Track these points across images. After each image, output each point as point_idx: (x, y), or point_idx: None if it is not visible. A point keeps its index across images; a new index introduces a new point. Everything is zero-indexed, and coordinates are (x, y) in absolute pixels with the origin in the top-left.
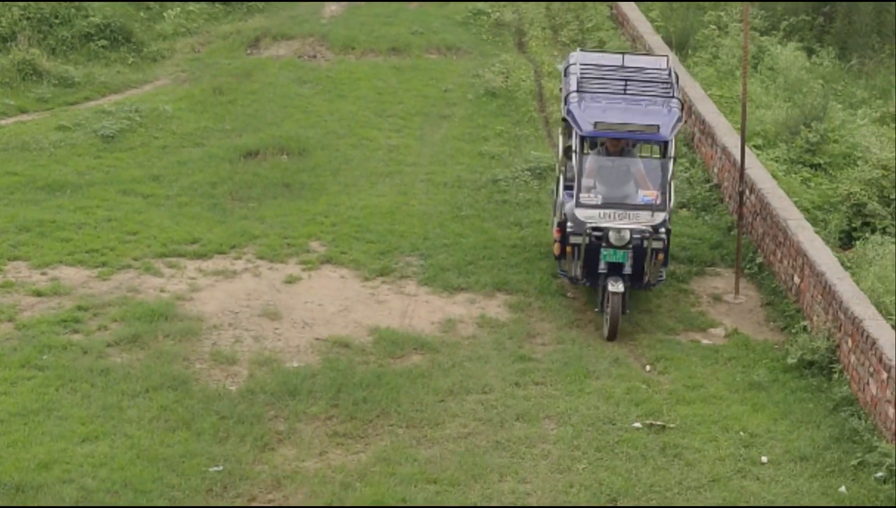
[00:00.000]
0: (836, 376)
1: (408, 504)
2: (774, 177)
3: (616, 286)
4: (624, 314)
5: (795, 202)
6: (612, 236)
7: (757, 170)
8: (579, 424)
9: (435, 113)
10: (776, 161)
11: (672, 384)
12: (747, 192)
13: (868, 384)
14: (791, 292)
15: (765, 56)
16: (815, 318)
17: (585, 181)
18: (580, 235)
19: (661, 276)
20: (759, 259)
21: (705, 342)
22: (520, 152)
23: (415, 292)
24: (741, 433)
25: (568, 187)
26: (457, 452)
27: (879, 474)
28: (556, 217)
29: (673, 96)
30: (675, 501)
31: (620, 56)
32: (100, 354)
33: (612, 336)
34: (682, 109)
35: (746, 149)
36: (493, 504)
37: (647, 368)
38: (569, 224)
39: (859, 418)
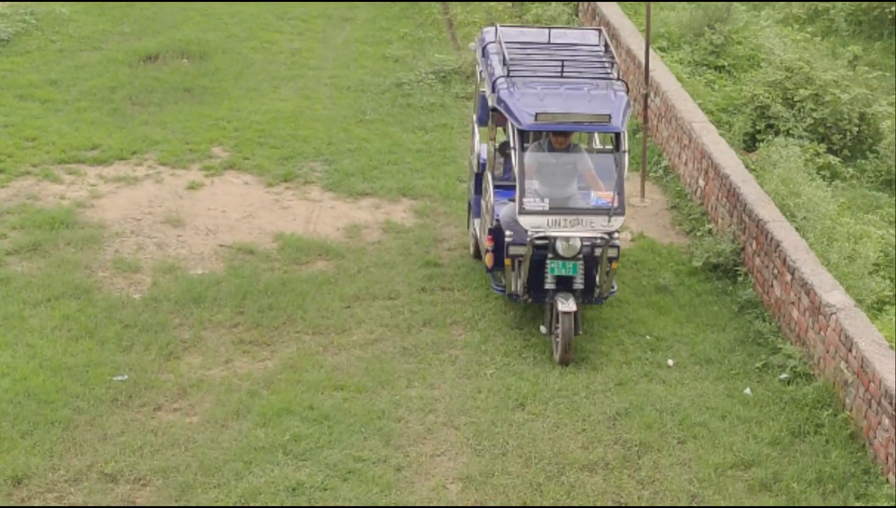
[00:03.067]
0: (740, 278)
1: (315, 411)
2: (679, 79)
3: (567, 304)
4: (577, 335)
5: (700, 105)
6: (559, 245)
7: (661, 72)
8: (486, 329)
9: (337, 15)
10: (680, 63)
11: None
12: (652, 94)
13: (772, 286)
14: (696, 195)
15: None
16: (719, 221)
17: (528, 183)
18: (522, 245)
19: (613, 288)
20: (665, 162)
21: None
22: (423, 55)
23: (319, 197)
24: (647, 336)
25: (500, 187)
26: (364, 358)
27: (783, 376)
28: (485, 222)
29: (617, 78)
30: (581, 405)
31: (546, 31)
32: None
33: (565, 361)
34: (629, 92)
35: (651, 51)
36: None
37: None
38: (507, 233)
39: (764, 320)
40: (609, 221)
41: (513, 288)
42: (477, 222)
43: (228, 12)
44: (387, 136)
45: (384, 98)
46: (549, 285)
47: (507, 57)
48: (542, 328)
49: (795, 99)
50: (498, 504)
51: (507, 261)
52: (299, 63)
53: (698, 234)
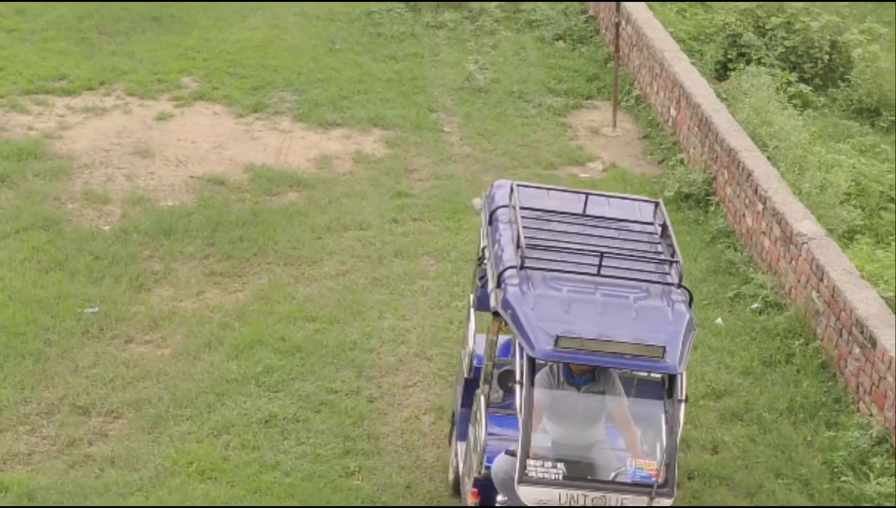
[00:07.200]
0: (712, 208)
1: (287, 343)
2: (650, 8)
3: None
4: None
5: (671, 33)
6: None
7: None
8: (458, 260)
9: None
10: None
11: None
12: (623, 23)
13: (744, 216)
14: (668, 124)
15: None
16: (691, 150)
17: (538, 437)
18: None
19: None
20: (636, 92)
21: (583, 175)
22: None
23: (289, 128)
24: None
25: (497, 413)
26: (335, 289)
27: (755, 305)
28: (471, 460)
29: (678, 284)
30: None
31: (582, 198)
32: None
33: None
34: (691, 303)
35: None
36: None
37: None
38: (499, 497)
39: (735, 250)
40: (651, 500)
41: None
42: (461, 446)
43: None
44: (357, 65)
45: (354, 27)
46: None
47: (523, 238)
48: None
49: (767, 27)
50: None
51: None
52: None
53: (670, 163)
